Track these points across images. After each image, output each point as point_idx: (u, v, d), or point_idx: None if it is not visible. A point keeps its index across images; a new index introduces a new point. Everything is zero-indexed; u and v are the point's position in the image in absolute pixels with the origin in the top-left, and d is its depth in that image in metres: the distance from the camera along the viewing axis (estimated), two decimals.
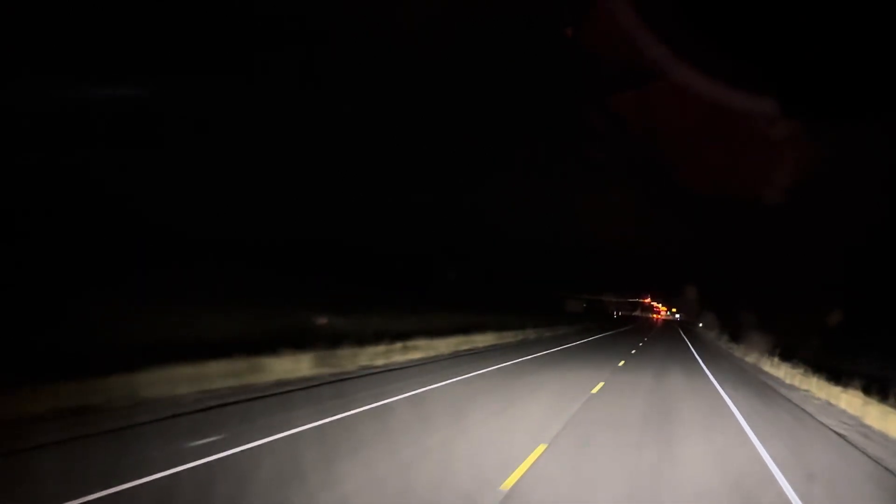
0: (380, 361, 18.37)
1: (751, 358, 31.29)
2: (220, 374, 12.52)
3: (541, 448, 8.78)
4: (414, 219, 49.98)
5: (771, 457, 9.49)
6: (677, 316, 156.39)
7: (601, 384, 17.01)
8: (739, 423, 12.41)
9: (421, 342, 21.51)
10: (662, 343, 44.13)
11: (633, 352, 31.29)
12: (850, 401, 15.13)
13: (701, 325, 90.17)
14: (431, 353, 22.00)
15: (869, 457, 10.20)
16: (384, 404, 11.85)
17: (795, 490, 7.68)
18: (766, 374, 25.18)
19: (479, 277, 62.32)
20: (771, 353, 27.44)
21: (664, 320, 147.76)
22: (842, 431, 12.39)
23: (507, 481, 7.14)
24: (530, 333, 37.55)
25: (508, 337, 32.92)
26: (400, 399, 12.62)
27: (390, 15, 31.40)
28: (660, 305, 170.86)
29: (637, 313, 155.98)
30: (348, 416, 10.49)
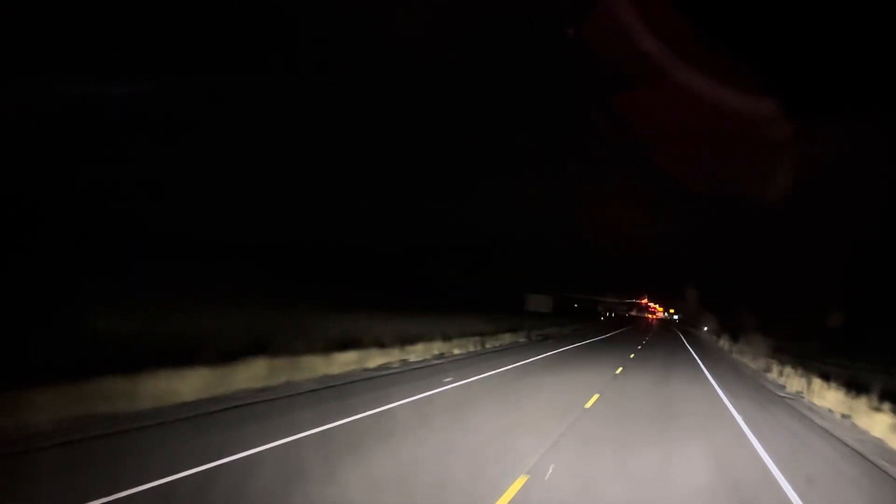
0: None
1: (831, 404, 17.82)
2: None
3: None
4: (394, 219, 49.69)
5: None
6: (675, 317, 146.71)
7: None
8: None
9: None
10: (656, 364, 27.13)
11: (587, 406, 14.16)
12: None
13: (706, 328, 78.36)
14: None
15: None
16: None
17: None
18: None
19: (453, 276, 60.49)
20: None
21: (659, 320, 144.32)
22: None
23: None
24: (452, 346, 24.59)
25: (392, 356, 19.34)
26: None
27: (392, 17, 31.33)
28: (656, 306, 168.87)
29: (633, 313, 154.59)
30: None
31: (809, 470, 9.82)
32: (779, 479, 8.84)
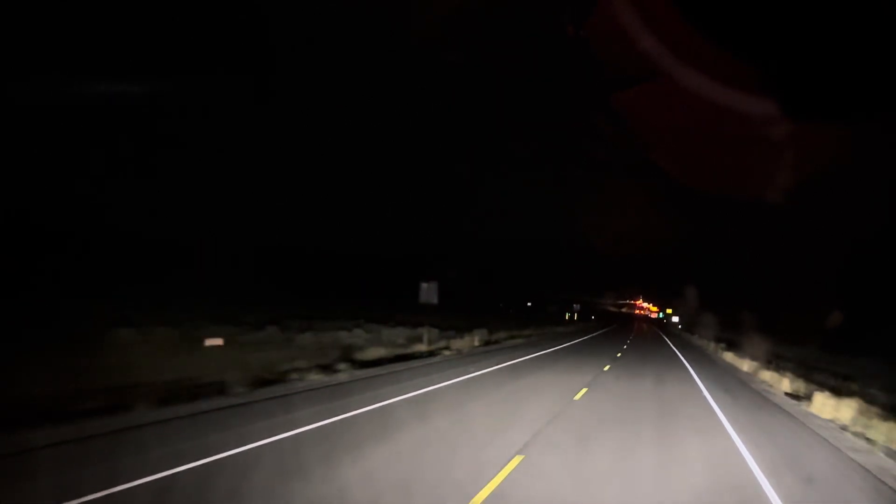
0: None
1: None
2: None
3: None
4: (394, 225, 48.85)
5: None
6: (675, 318, 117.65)
7: None
8: None
9: None
10: None
11: None
12: None
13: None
14: None
15: None
16: None
17: None
18: None
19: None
20: None
21: (645, 320, 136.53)
22: None
23: None
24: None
25: None
26: None
27: (392, 20, 30.84)
28: (649, 305, 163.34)
29: (625, 312, 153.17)
30: None
31: None
32: None
